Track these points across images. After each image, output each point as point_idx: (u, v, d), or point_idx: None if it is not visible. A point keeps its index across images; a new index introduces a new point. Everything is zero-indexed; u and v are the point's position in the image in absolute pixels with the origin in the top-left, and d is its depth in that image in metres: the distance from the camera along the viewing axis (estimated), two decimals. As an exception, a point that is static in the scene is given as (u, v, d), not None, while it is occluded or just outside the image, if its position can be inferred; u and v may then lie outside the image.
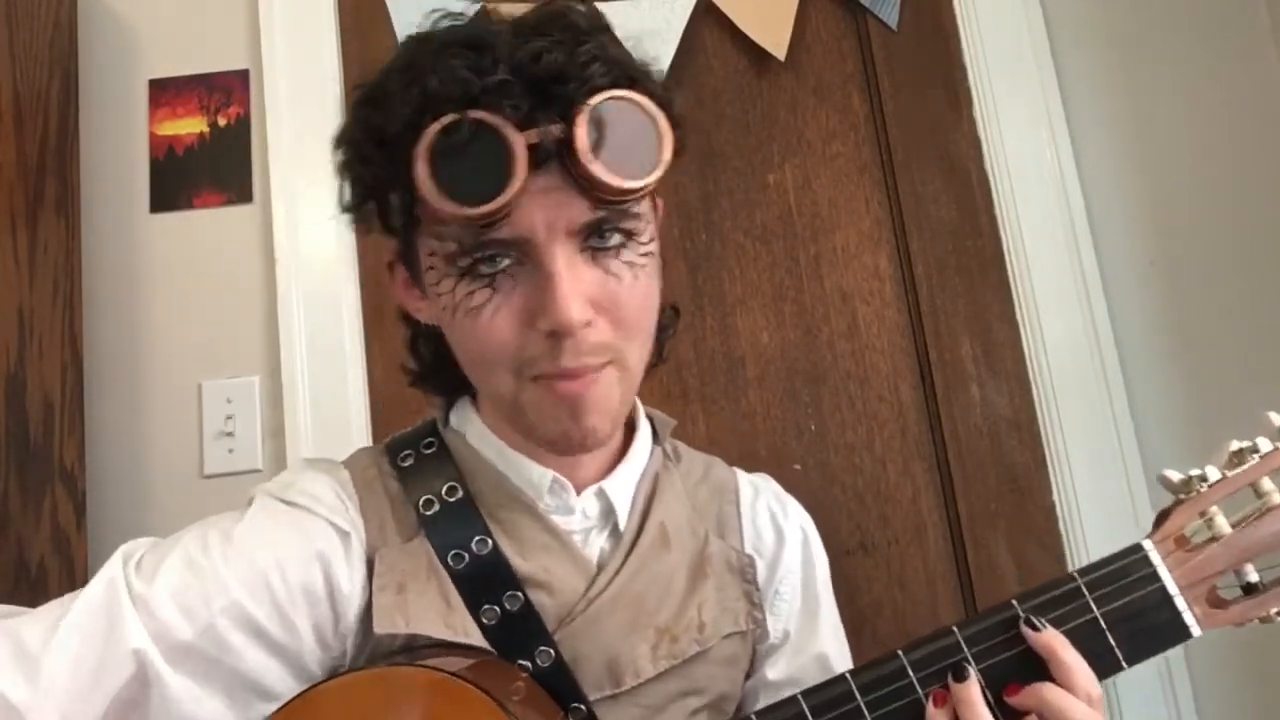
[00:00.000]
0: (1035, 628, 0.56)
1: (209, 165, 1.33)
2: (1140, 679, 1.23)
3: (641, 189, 0.58)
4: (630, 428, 0.73)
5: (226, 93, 1.35)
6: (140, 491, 1.25)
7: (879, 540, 1.30)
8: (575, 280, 0.57)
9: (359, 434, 1.26)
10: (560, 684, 0.62)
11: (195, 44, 1.37)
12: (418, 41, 0.61)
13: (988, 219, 1.37)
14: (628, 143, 0.57)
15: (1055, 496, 1.29)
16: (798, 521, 0.78)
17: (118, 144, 1.33)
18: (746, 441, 1.32)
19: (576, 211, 0.58)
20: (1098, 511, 1.25)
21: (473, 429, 0.70)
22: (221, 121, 1.35)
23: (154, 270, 1.31)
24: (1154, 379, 1.31)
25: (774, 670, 0.73)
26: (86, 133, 1.29)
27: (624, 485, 0.70)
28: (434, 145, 0.55)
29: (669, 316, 0.73)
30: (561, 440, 0.62)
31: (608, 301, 0.60)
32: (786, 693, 0.68)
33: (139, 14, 1.37)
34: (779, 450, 1.26)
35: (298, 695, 0.57)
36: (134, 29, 1.37)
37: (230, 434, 1.26)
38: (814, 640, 0.75)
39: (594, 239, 0.59)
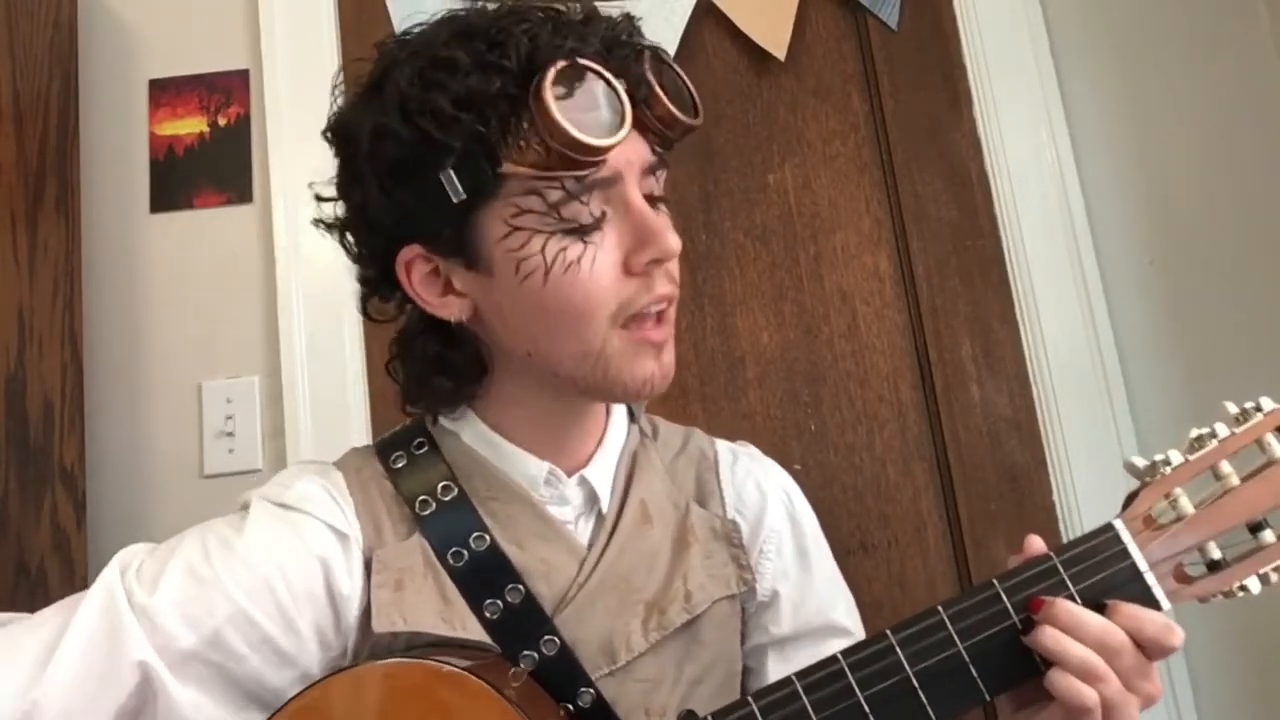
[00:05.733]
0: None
1: (209, 165, 1.33)
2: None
3: (692, 126, 0.66)
4: (605, 411, 0.75)
5: (226, 93, 1.35)
6: (140, 491, 1.25)
7: (879, 540, 1.30)
8: (656, 213, 0.64)
9: (359, 434, 1.26)
10: (567, 669, 0.64)
11: (195, 44, 1.37)
12: (455, 22, 0.63)
13: (988, 219, 1.37)
14: (678, 89, 0.66)
15: (1055, 496, 1.30)
16: (779, 483, 0.79)
17: (118, 144, 1.34)
18: (746, 441, 1.32)
19: (645, 151, 0.64)
20: (1097, 511, 1.25)
21: (468, 426, 0.71)
22: (221, 121, 1.35)
23: (154, 270, 1.31)
24: (1154, 379, 1.31)
25: (780, 627, 0.74)
26: (86, 133, 1.29)
27: (604, 469, 0.72)
28: (558, 87, 0.59)
29: None
30: (645, 385, 0.65)
31: None
32: (796, 648, 0.73)
33: (139, 14, 1.37)
34: (779, 450, 1.26)
35: (301, 692, 0.58)
36: (134, 29, 1.37)
37: (230, 434, 1.26)
38: (813, 595, 0.76)
39: (646, 189, 0.65)
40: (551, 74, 0.58)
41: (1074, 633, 0.55)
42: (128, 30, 1.37)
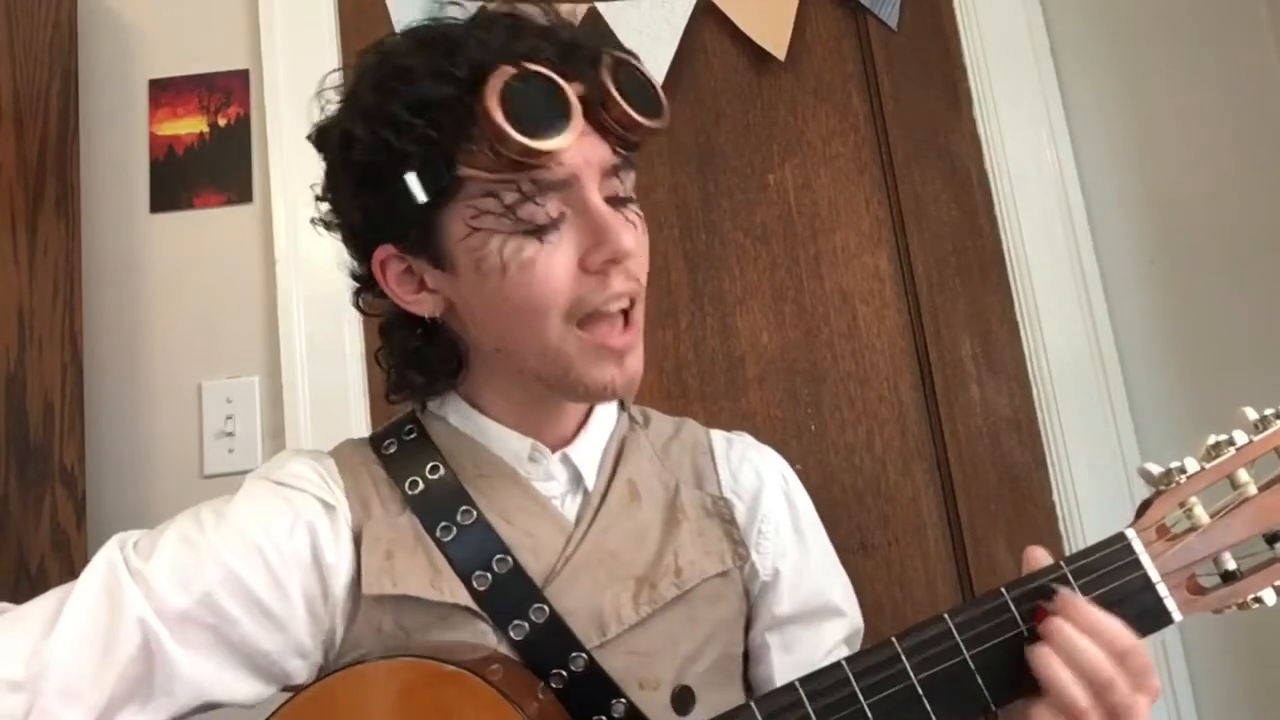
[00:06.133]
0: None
1: (209, 165, 1.33)
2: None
3: (655, 128, 0.66)
4: None
5: (226, 93, 1.35)
6: (140, 491, 1.25)
7: (879, 540, 1.30)
8: (616, 214, 0.64)
9: (359, 433, 1.25)
10: (558, 638, 0.65)
11: (195, 44, 1.37)
12: (419, 31, 0.65)
13: (988, 219, 1.37)
14: (639, 91, 0.65)
15: (1055, 496, 1.29)
16: (776, 467, 0.81)
17: (118, 144, 1.33)
18: (746, 441, 1.32)
19: (605, 153, 0.65)
20: (1098, 511, 1.25)
21: (453, 408, 0.73)
22: (221, 121, 1.35)
23: (154, 270, 1.31)
24: (1154, 379, 1.30)
25: (780, 607, 0.75)
26: (86, 133, 1.29)
27: (588, 450, 0.73)
28: (502, 93, 0.59)
29: None
30: (605, 389, 0.66)
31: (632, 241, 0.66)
32: (796, 632, 0.74)
33: (139, 14, 1.37)
34: (779, 450, 1.26)
35: (304, 688, 0.60)
36: (134, 29, 1.37)
37: (230, 434, 1.26)
38: (810, 574, 0.77)
39: (608, 191, 0.65)
40: (495, 79, 0.60)
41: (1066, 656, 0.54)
42: (128, 30, 1.37)
